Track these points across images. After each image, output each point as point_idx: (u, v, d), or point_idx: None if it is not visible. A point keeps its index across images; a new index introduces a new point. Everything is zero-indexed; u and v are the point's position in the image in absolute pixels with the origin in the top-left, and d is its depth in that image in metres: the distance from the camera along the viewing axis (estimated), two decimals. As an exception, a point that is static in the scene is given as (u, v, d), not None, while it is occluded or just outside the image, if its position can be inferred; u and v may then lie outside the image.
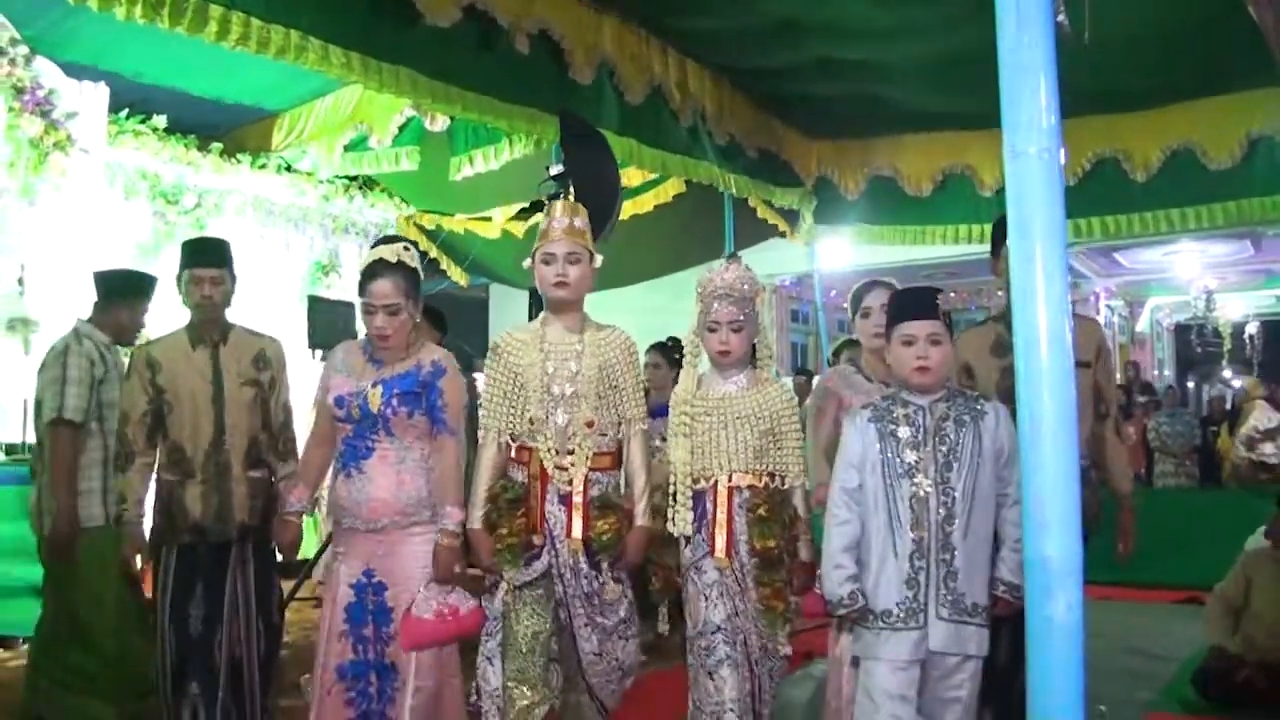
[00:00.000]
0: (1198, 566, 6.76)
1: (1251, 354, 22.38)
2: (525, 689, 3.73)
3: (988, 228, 8.57)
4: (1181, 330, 23.64)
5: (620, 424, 3.86)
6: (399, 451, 3.84)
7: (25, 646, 6.79)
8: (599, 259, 3.94)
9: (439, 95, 5.76)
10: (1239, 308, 21.90)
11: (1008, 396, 3.92)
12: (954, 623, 3.23)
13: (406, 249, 3.93)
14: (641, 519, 3.79)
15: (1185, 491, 11.60)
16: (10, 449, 8.00)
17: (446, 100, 5.83)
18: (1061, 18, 2.02)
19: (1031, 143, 1.95)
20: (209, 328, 4.45)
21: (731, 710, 3.59)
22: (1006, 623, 3.48)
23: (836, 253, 10.44)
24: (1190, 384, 24.28)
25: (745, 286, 3.78)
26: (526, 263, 3.96)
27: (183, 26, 4.58)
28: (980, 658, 3.28)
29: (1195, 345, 22.41)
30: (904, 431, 3.35)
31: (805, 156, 9.21)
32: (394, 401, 3.81)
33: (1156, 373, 21.78)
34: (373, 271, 3.86)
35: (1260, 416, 11.61)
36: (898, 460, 3.33)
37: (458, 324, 4.04)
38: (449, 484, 3.86)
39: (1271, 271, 18.10)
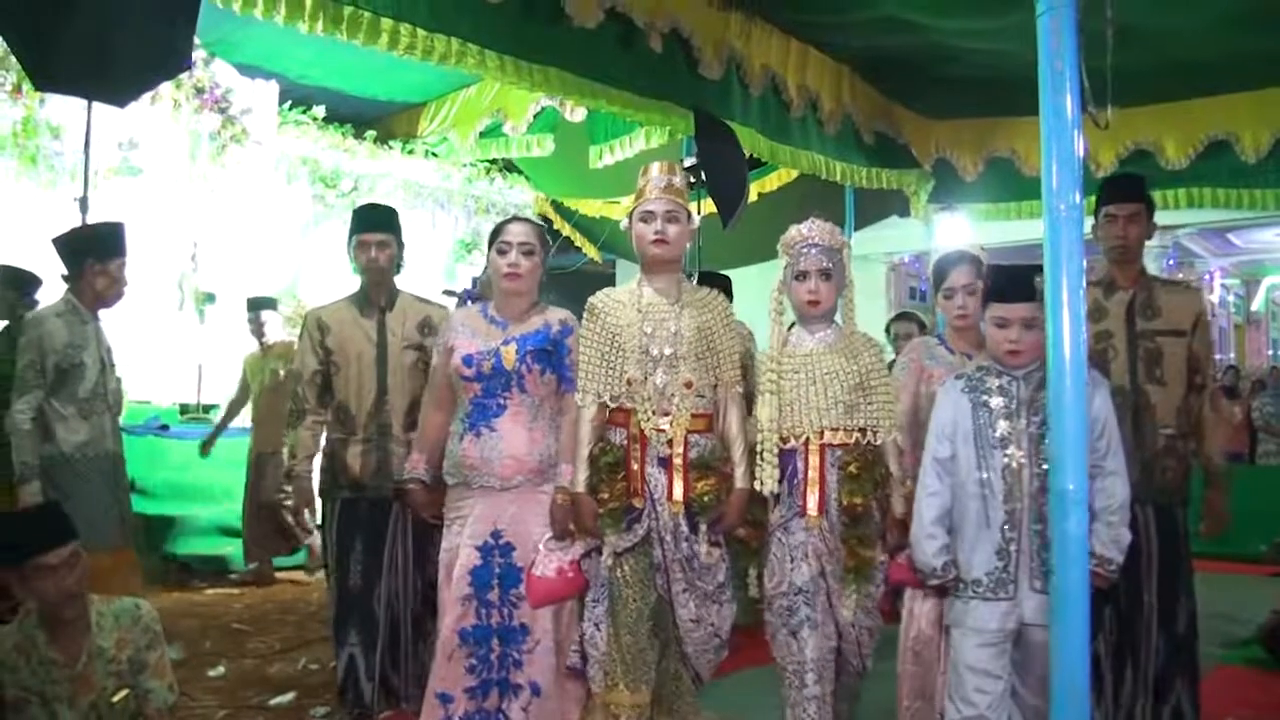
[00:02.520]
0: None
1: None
2: (635, 653, 3.65)
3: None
4: (1298, 309, 22.94)
5: (716, 386, 3.73)
6: (531, 409, 3.77)
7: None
8: (696, 219, 3.85)
9: (584, 92, 6.02)
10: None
11: (1098, 360, 4.06)
12: (1045, 594, 3.11)
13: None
14: (741, 481, 3.66)
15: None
16: (185, 409, 8.67)
17: (591, 96, 6.09)
18: (1091, 109, 2.44)
19: (1063, 202, 2.59)
20: (377, 292, 4.53)
21: (811, 671, 3.52)
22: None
23: (954, 230, 10.44)
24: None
25: (830, 237, 3.70)
26: (624, 223, 3.89)
27: (359, 38, 4.93)
28: None
29: (1308, 325, 21.85)
30: (996, 402, 3.26)
31: (924, 139, 9.23)
32: (528, 358, 3.74)
33: (1270, 351, 21.24)
34: (508, 220, 3.93)
35: None
36: (990, 431, 3.24)
37: (587, 295, 4.13)
38: (569, 440, 3.78)
39: (1385, 254, 17.58)
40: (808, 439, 3.60)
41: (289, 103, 9.46)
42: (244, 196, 9.15)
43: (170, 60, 4.27)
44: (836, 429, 3.58)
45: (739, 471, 3.67)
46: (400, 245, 4.61)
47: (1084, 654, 2.62)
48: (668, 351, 3.65)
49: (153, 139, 8.15)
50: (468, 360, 3.76)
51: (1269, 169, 8.19)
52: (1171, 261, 16.15)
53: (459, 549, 3.76)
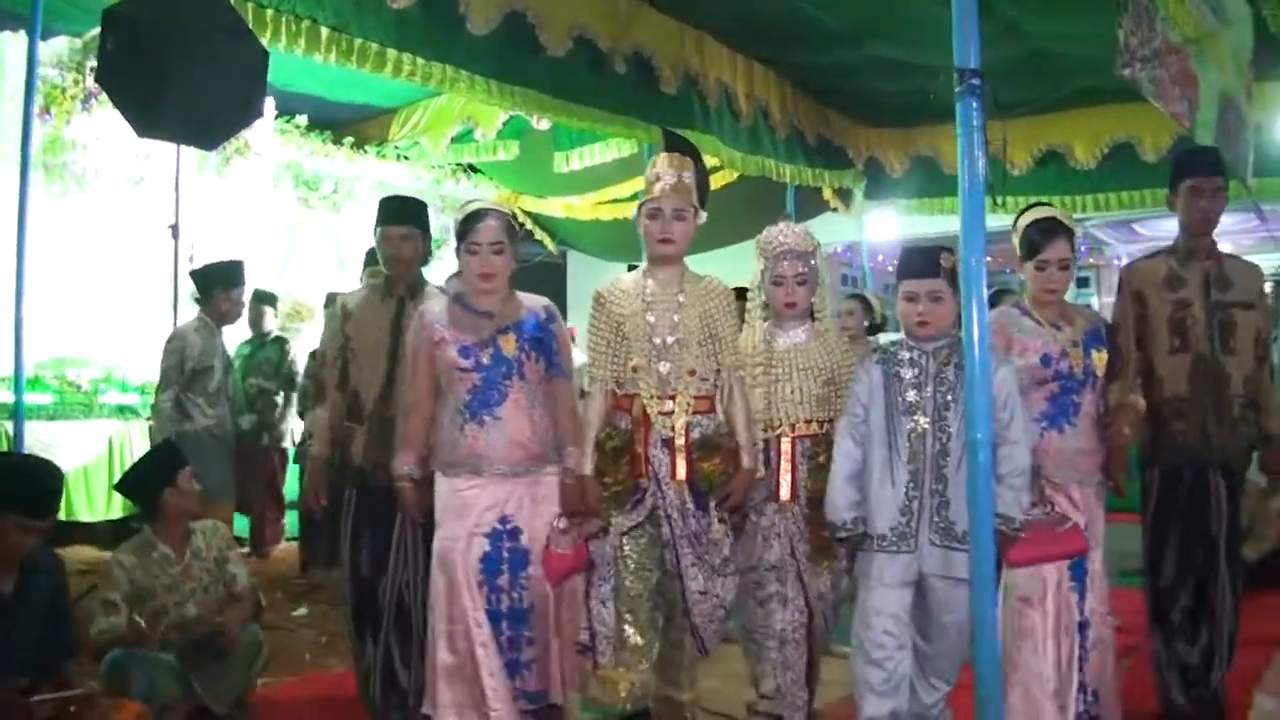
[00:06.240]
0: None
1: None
2: (637, 631, 3.70)
3: (1017, 202, 9.32)
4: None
5: (719, 371, 3.75)
6: (529, 396, 3.73)
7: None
8: (703, 215, 3.84)
9: (560, 110, 6.64)
10: (1256, 270, 22.16)
11: (1177, 328, 4.18)
12: (944, 548, 3.32)
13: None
14: (747, 462, 3.69)
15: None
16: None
17: (566, 114, 6.71)
18: (996, 194, 3.09)
19: (973, 256, 3.09)
20: (400, 282, 4.28)
21: (773, 639, 3.73)
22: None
23: (883, 223, 10.98)
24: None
25: (805, 243, 3.81)
26: (634, 214, 3.86)
27: (368, 66, 5.48)
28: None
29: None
30: (907, 373, 3.43)
31: (856, 142, 9.88)
32: (527, 346, 3.74)
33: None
34: (477, 215, 3.72)
35: None
36: (899, 399, 3.41)
37: (540, 286, 4.06)
38: (568, 424, 3.79)
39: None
40: (781, 432, 3.74)
41: (275, 111, 9.76)
42: (237, 201, 9.51)
43: (247, 110, 4.85)
44: (810, 420, 3.73)
45: (745, 451, 3.70)
46: (426, 237, 4.35)
47: (991, 563, 3.07)
48: (671, 340, 3.69)
49: (163, 151, 8.44)
50: (465, 352, 3.71)
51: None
52: (1084, 248, 16.91)
53: (459, 539, 3.69)
